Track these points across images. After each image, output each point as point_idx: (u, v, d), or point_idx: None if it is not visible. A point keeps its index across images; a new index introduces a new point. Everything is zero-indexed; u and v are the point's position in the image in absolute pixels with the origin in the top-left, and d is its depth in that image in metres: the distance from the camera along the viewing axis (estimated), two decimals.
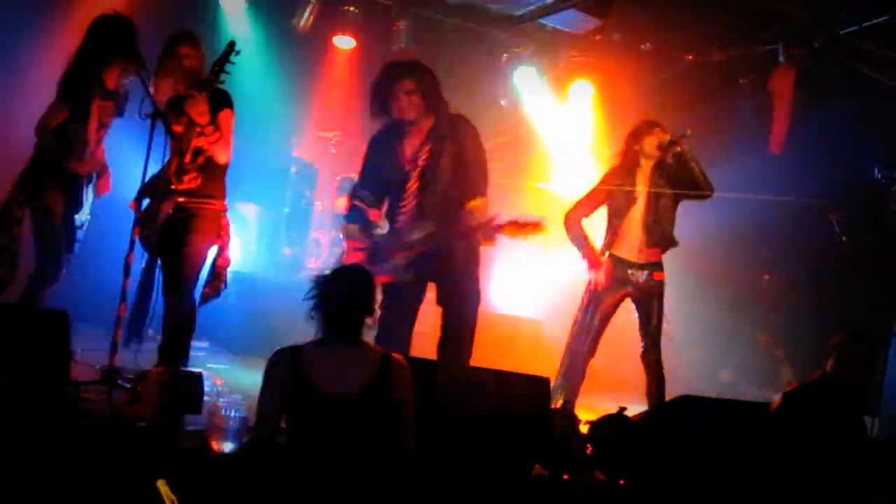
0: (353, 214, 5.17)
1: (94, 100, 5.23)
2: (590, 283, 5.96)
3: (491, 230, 4.80)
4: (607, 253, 5.96)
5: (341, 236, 5.23)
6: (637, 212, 5.93)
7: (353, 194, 5.24)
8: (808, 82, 8.31)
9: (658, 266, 5.98)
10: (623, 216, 5.93)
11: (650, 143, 5.97)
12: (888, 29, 7.45)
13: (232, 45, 4.91)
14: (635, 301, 5.97)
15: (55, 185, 5.22)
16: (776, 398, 4.76)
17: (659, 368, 5.86)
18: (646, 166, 6.00)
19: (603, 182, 6.08)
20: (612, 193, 5.99)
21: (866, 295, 7.25)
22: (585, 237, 6.01)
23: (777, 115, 8.55)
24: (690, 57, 9.01)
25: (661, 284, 5.96)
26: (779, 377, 8.82)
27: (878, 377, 7.60)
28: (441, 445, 4.05)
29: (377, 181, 5.14)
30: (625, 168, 6.03)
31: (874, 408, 7.42)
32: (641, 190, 5.95)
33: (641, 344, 5.93)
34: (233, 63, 4.88)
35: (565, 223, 6.05)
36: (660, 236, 5.96)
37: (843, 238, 7.40)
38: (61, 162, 5.20)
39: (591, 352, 5.96)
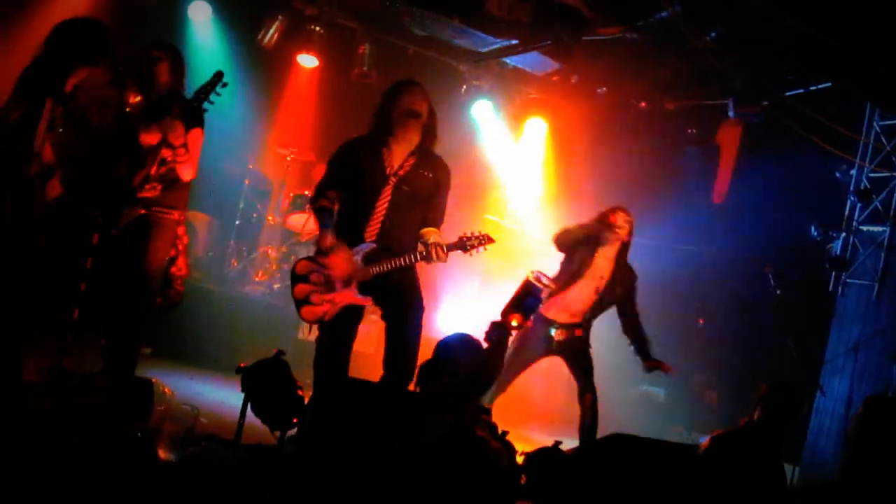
0: (325, 219, 5.08)
1: (47, 102, 5.21)
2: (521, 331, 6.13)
3: (443, 248, 4.93)
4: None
5: (321, 247, 5.06)
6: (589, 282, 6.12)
7: (320, 193, 5.17)
8: (754, 138, 8.64)
9: (580, 325, 6.17)
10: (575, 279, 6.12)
11: (608, 221, 6.13)
12: (829, 96, 7.80)
13: (220, 75, 4.98)
14: (563, 357, 6.18)
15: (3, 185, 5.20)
16: (704, 441, 4.96)
17: (595, 407, 6.05)
18: (609, 248, 6.16)
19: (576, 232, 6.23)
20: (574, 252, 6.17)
21: (796, 346, 7.53)
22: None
23: (722, 166, 8.88)
24: (643, 104, 9.31)
25: (584, 339, 6.18)
26: (707, 419, 9.09)
27: (802, 427, 7.92)
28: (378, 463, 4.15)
29: (347, 181, 5.11)
30: (591, 237, 6.18)
31: (796, 456, 7.73)
32: (602, 265, 6.12)
33: (578, 386, 6.12)
34: (219, 94, 4.96)
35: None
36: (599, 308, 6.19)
37: (777, 291, 7.69)
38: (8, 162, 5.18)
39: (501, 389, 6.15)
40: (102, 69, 5.14)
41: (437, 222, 5.14)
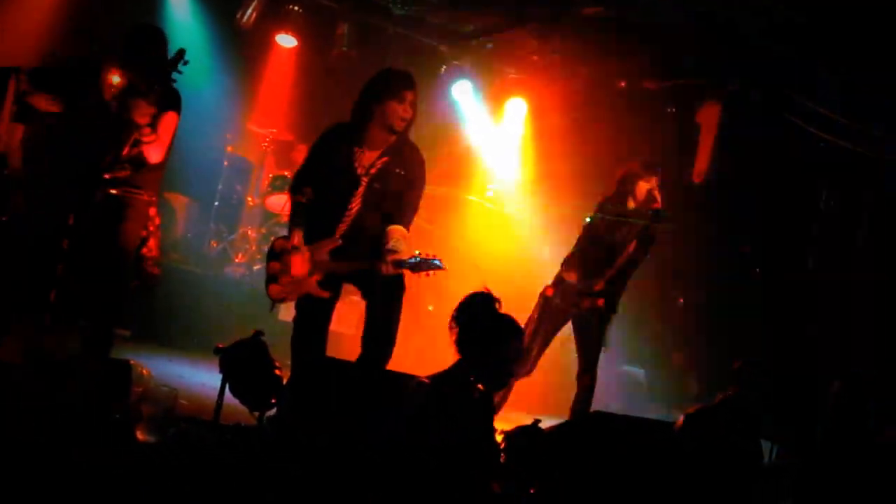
0: (297, 217, 5.11)
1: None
2: (540, 303, 6.15)
3: (393, 263, 4.84)
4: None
5: (284, 247, 5.08)
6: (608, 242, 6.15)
7: (296, 189, 5.17)
8: (733, 116, 8.65)
9: (602, 293, 6.14)
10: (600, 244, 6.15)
11: (642, 188, 6.16)
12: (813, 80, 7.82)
13: (181, 52, 4.96)
14: (575, 326, 6.20)
15: None
16: (679, 419, 4.98)
17: (591, 390, 6.08)
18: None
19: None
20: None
21: (775, 324, 7.59)
22: None
23: (702, 145, 8.88)
24: (622, 83, 9.29)
25: (601, 313, 6.16)
26: (688, 396, 9.15)
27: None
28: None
29: (323, 179, 5.10)
30: (615, 201, 6.21)
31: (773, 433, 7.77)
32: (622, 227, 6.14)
33: (580, 363, 6.16)
34: (180, 72, 4.94)
35: None
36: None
37: (756, 269, 7.74)
38: None
39: (530, 370, 6.17)
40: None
41: (405, 220, 5.03)
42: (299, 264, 5.00)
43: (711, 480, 4.50)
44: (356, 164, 5.02)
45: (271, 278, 5.07)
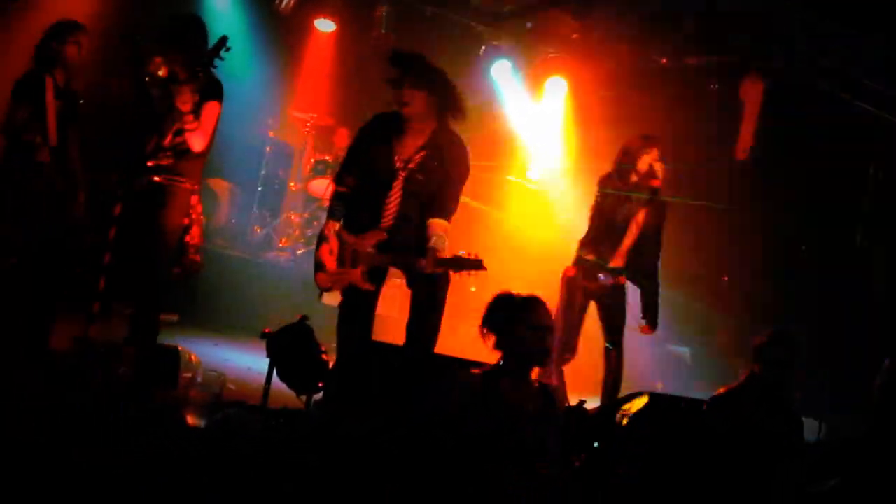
0: (337, 207, 5.13)
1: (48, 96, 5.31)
2: (564, 284, 6.14)
3: (434, 262, 4.80)
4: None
5: (324, 235, 5.09)
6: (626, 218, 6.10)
7: (339, 180, 5.18)
8: (778, 93, 8.52)
9: (623, 270, 6.15)
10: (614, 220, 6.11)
11: (644, 161, 6.10)
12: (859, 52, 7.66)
13: (224, 40, 4.97)
14: (599, 305, 6.17)
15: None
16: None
17: (620, 367, 6.07)
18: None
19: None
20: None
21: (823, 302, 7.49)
22: None
23: (745, 122, 8.76)
24: (664, 61, 9.18)
25: (624, 291, 6.17)
26: (734, 376, 9.06)
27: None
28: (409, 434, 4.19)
29: (363, 170, 5.10)
30: (616, 177, 6.17)
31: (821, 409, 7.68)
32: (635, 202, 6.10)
33: (606, 341, 6.14)
34: (222, 59, 4.96)
35: None
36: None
37: (803, 247, 7.65)
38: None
39: (571, 349, 6.16)
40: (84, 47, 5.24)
41: (446, 213, 5.00)
42: (327, 255, 5.02)
43: (736, 460, 4.44)
44: (395, 157, 5.00)
45: (318, 266, 5.08)
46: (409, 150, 5.01)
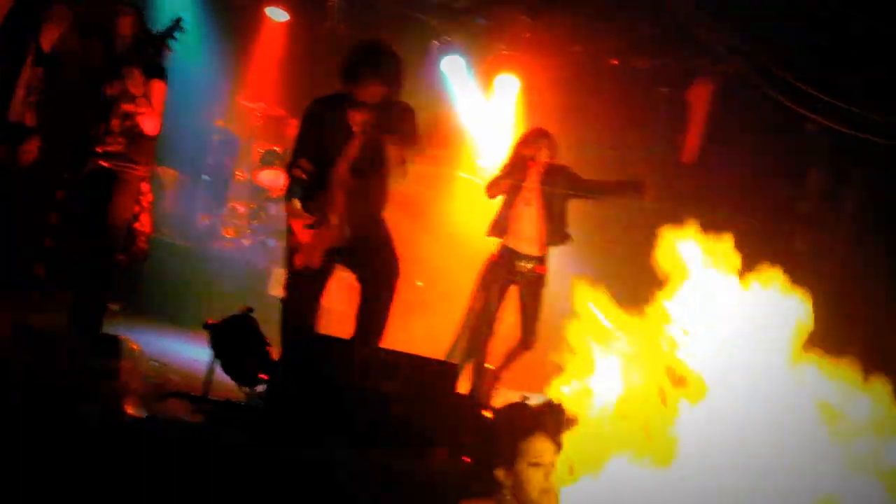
0: (294, 189, 5.10)
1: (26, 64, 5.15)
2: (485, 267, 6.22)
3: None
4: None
5: (287, 215, 5.11)
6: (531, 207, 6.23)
7: (291, 165, 5.16)
8: (724, 97, 8.65)
9: (541, 259, 6.25)
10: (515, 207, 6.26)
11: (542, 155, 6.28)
12: (804, 59, 7.81)
13: (178, 21, 4.92)
14: (519, 290, 6.25)
15: None
16: None
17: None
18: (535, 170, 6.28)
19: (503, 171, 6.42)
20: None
21: None
22: None
23: (692, 125, 8.88)
24: (615, 62, 9.27)
25: (543, 279, 6.24)
26: None
27: None
28: (351, 421, 4.18)
29: (319, 146, 5.11)
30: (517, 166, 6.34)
31: None
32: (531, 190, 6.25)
33: (520, 334, 6.22)
34: (176, 39, 4.90)
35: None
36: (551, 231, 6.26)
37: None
38: None
39: (491, 332, 6.21)
40: (69, 22, 5.09)
41: (409, 141, 5.16)
42: (301, 228, 5.02)
43: None
44: (350, 122, 5.05)
45: (294, 248, 5.05)
46: (363, 114, 5.04)
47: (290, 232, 5.10)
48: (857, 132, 7.92)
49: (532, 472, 3.17)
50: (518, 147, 6.44)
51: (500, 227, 6.28)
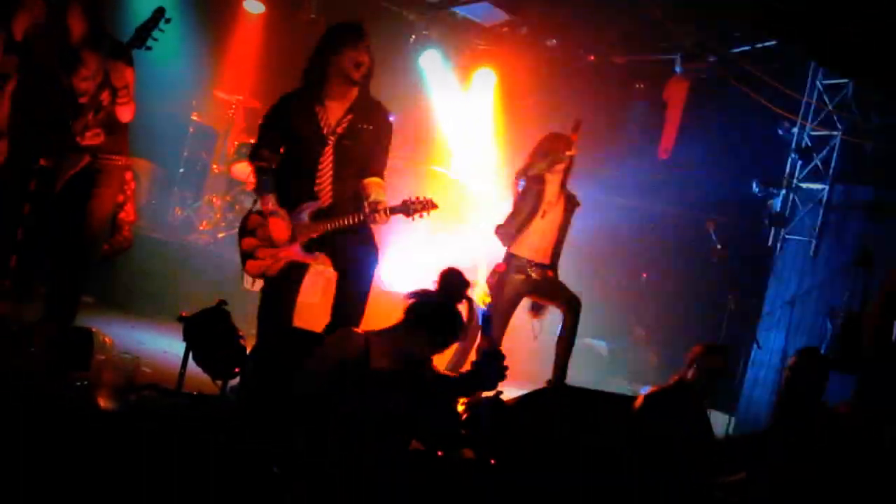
0: (265, 182, 5.04)
1: None
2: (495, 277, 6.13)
3: (385, 211, 4.87)
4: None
5: (263, 210, 5.01)
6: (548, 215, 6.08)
7: (254, 156, 5.10)
8: (699, 95, 8.73)
9: (551, 267, 6.16)
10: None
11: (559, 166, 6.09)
12: (774, 55, 7.90)
13: (161, 11, 4.86)
14: (538, 295, 6.17)
15: None
16: (639, 397, 5.04)
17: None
18: (553, 181, 6.08)
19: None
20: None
21: (736, 300, 7.71)
22: None
23: (668, 122, 8.95)
24: (592, 57, 9.33)
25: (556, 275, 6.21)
26: (647, 370, 9.28)
27: (738, 379, 8.12)
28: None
29: (286, 140, 5.05)
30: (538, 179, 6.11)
31: (731, 406, 7.93)
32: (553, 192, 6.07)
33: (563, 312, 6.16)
34: (162, 30, 4.85)
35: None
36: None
37: (718, 246, 7.87)
38: None
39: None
40: (41, 9, 5.03)
41: (379, 171, 5.07)
42: (281, 228, 4.95)
43: (667, 454, 4.58)
44: (322, 125, 4.97)
45: (247, 255, 5.00)
46: (336, 116, 4.99)
47: (246, 235, 5.03)
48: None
49: None
50: (554, 143, 6.14)
51: (513, 235, 6.06)
